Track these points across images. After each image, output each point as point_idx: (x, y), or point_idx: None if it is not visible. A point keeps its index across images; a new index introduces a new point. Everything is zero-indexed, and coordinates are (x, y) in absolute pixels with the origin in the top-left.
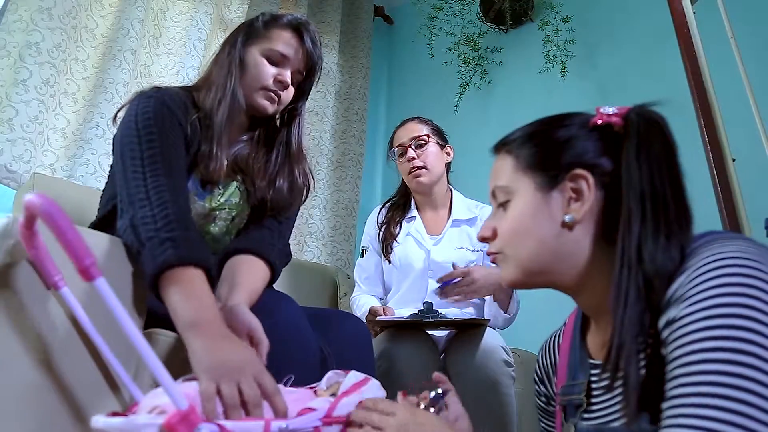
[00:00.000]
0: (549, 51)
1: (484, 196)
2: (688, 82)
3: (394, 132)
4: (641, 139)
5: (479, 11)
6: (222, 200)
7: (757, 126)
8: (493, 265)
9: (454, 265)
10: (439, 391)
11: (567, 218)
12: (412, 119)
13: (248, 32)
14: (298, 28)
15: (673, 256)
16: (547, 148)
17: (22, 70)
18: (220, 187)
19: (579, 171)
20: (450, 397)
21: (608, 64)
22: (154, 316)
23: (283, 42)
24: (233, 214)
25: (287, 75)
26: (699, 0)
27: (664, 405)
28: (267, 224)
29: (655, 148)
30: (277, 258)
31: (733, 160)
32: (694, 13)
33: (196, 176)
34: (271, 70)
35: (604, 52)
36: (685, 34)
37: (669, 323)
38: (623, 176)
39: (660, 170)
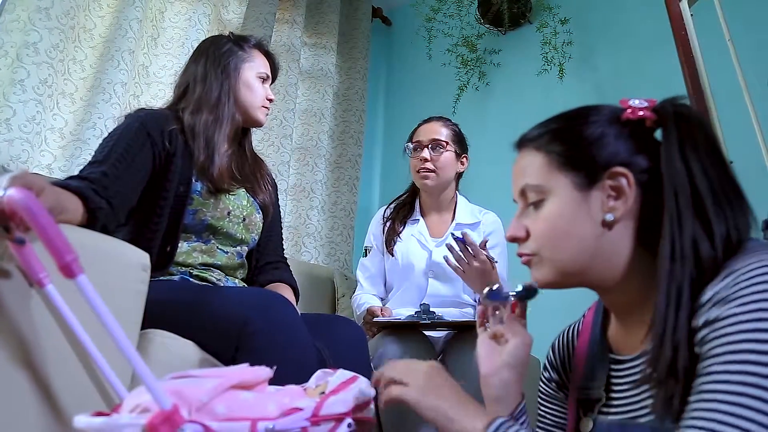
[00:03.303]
0: (547, 53)
1: (482, 197)
2: (685, 84)
3: (417, 126)
4: (683, 134)
5: (477, 13)
6: (233, 198)
7: (754, 128)
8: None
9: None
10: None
11: (608, 217)
12: (439, 119)
13: (236, 55)
14: (268, 51)
15: (733, 241)
16: (580, 146)
17: (19, 70)
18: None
19: (619, 169)
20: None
21: (606, 66)
22: (154, 316)
23: (265, 63)
24: (243, 214)
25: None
26: (696, 2)
27: (693, 398)
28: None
29: (699, 141)
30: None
31: (731, 162)
32: (691, 15)
33: (202, 181)
34: (265, 91)
35: (602, 54)
36: (683, 37)
37: (709, 322)
38: (665, 172)
39: (710, 164)
